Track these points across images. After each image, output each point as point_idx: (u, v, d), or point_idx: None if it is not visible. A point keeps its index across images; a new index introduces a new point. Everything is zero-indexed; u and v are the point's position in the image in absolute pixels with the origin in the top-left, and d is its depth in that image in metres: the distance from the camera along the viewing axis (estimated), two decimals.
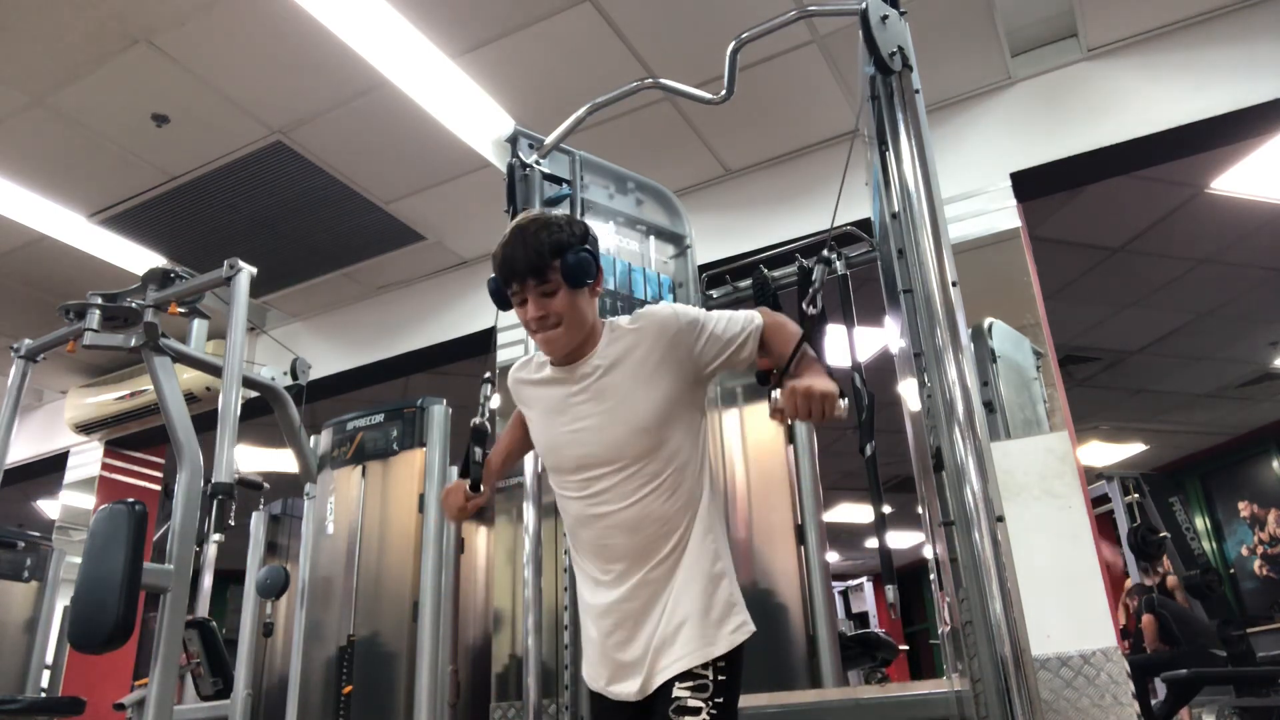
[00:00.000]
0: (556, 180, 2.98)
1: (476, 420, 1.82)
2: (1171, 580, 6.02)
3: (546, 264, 1.50)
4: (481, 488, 1.77)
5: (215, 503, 2.42)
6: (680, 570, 1.51)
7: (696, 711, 1.41)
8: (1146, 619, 5.65)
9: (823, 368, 1.46)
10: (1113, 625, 2.76)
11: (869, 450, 2.83)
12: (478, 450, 1.78)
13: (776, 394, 1.41)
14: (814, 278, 1.63)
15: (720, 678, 1.44)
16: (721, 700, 1.43)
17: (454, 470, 3.60)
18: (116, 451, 5.91)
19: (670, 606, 1.49)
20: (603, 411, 1.54)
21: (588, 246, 1.55)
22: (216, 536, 2.43)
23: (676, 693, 1.42)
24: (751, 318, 1.58)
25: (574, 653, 2.78)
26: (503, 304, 1.59)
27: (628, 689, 1.51)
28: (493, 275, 1.59)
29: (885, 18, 1.96)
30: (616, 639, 1.53)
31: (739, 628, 1.50)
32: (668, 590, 1.51)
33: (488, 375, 1.96)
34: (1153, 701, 4.80)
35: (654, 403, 1.52)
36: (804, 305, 1.53)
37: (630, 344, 1.54)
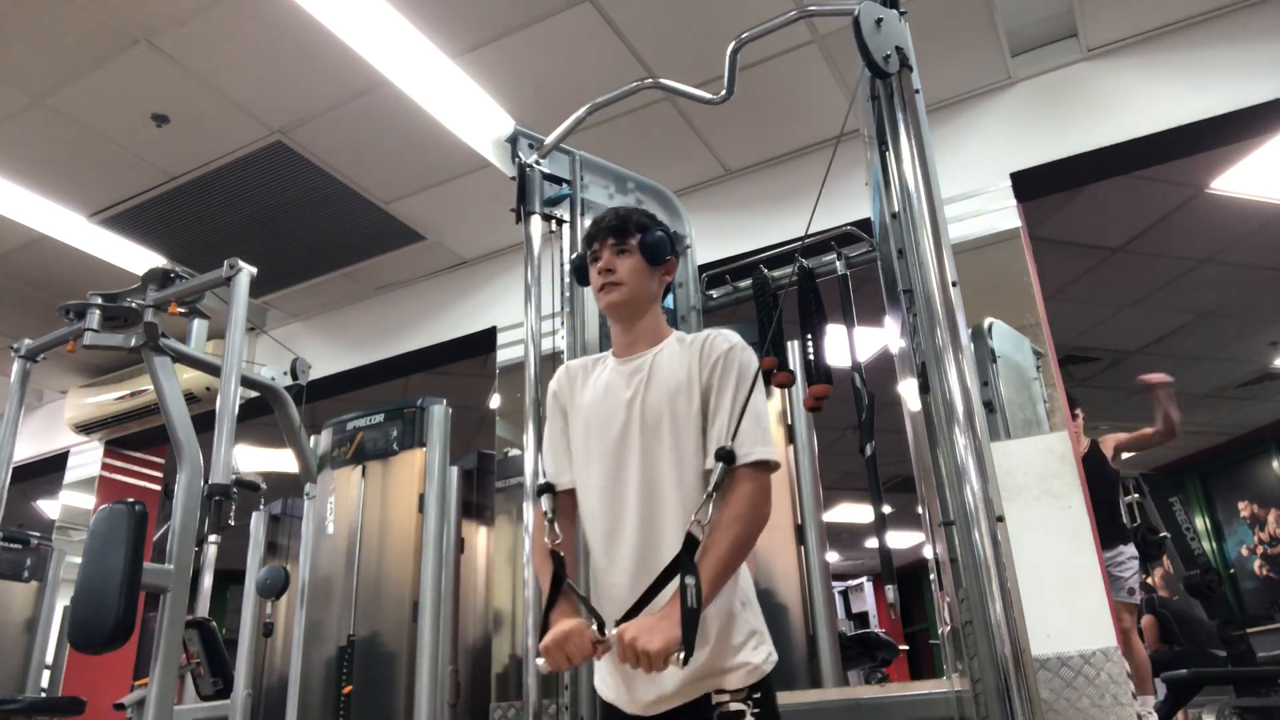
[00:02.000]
0: (556, 180, 2.97)
1: (547, 541, 1.53)
2: (1156, 580, 6.02)
3: (629, 231, 1.66)
4: (607, 630, 1.40)
5: (213, 503, 2.41)
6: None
7: (740, 715, 1.42)
8: (1147, 619, 5.65)
9: (676, 614, 1.31)
10: (1113, 625, 2.76)
11: (869, 450, 2.83)
12: (566, 580, 1.48)
13: (612, 631, 1.36)
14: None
15: (756, 709, 1.44)
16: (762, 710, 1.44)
17: (454, 471, 3.60)
18: (116, 451, 5.91)
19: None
20: (643, 404, 1.57)
21: (670, 240, 1.70)
22: (214, 538, 2.43)
23: (716, 698, 1.42)
24: (772, 451, 1.47)
25: None
26: (582, 278, 1.72)
27: (647, 694, 1.48)
28: (576, 254, 1.74)
29: (880, 21, 1.96)
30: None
31: (768, 658, 1.50)
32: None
33: (544, 484, 1.64)
34: (1153, 702, 4.80)
35: (686, 409, 1.55)
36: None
37: (688, 354, 1.59)
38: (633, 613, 1.39)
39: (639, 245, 1.65)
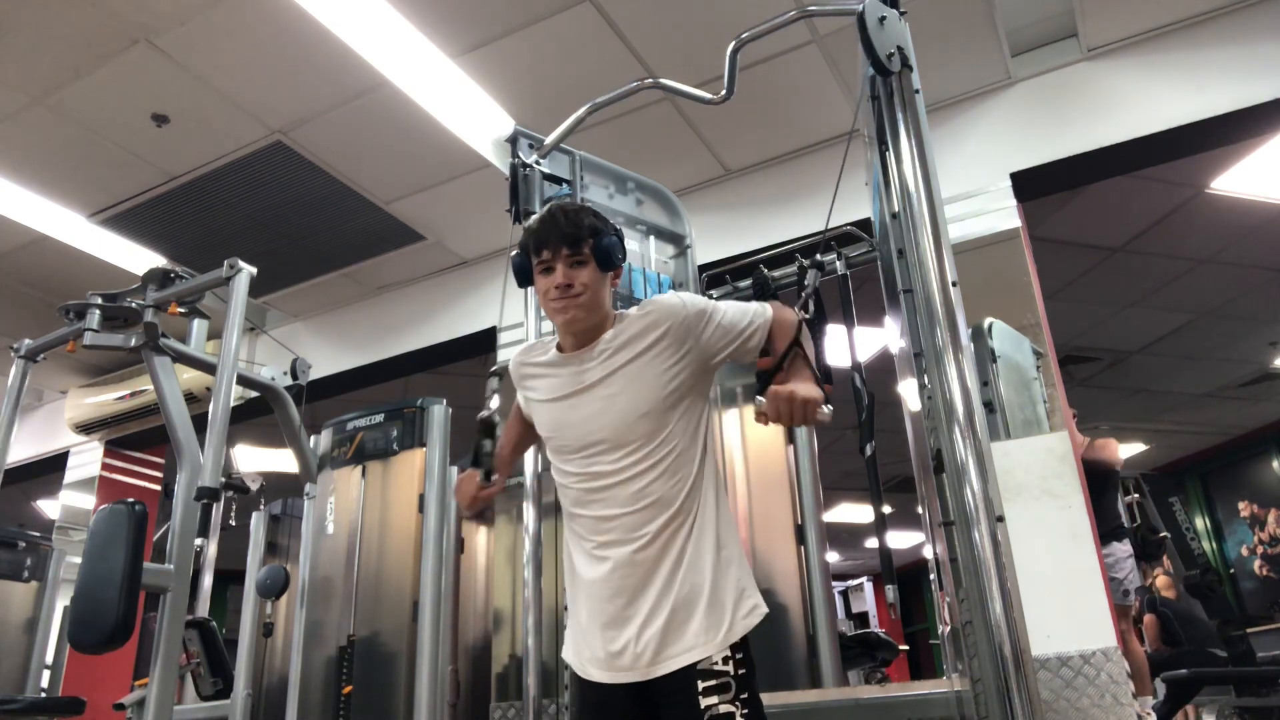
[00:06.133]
0: (556, 180, 2.98)
1: (484, 413, 1.79)
2: (1161, 580, 6.00)
3: (583, 238, 1.57)
4: (494, 477, 1.74)
5: (200, 507, 2.38)
6: (684, 550, 1.51)
7: (730, 717, 1.42)
8: (1148, 619, 5.64)
9: (811, 372, 1.49)
10: (1113, 625, 2.76)
11: (869, 450, 2.84)
12: (487, 442, 1.76)
13: (761, 398, 1.45)
14: (807, 282, 1.65)
15: (740, 671, 1.45)
16: (747, 695, 1.45)
17: (454, 471, 3.60)
18: (116, 451, 5.91)
19: (673, 586, 1.49)
20: (608, 395, 1.56)
21: (620, 241, 1.65)
22: (199, 541, 2.38)
23: (705, 702, 1.42)
24: (761, 309, 1.60)
25: None
26: (524, 279, 1.65)
27: (619, 665, 1.50)
28: (516, 251, 1.66)
29: (883, 19, 1.96)
30: (609, 615, 1.52)
31: (751, 610, 1.51)
32: (667, 567, 1.50)
33: (494, 369, 1.95)
34: (1153, 702, 4.80)
35: (658, 388, 1.54)
36: (796, 309, 1.55)
37: (638, 332, 1.57)
38: None
39: (594, 252, 1.57)
